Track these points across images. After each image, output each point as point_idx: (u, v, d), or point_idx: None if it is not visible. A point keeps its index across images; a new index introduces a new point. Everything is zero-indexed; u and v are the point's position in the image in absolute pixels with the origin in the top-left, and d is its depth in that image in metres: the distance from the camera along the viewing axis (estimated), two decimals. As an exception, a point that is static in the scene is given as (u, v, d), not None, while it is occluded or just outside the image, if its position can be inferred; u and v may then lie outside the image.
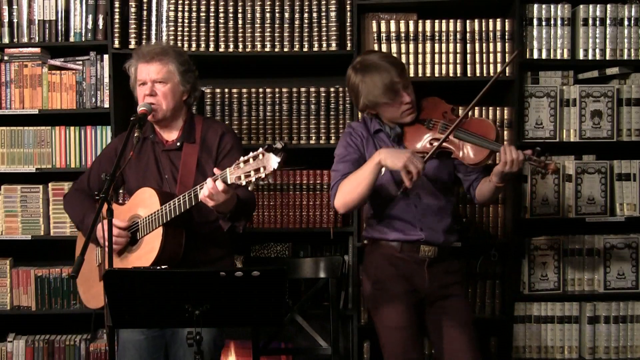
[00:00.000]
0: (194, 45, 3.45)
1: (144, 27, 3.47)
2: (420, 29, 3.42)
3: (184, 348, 2.68)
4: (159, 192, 2.65)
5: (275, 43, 3.45)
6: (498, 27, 3.41)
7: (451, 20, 3.42)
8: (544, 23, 3.43)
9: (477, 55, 3.42)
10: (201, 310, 2.16)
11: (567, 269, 3.50)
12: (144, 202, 2.66)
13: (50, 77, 3.49)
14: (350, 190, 2.64)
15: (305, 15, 3.44)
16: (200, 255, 2.71)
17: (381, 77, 2.63)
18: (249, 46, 3.45)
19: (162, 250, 2.57)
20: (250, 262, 3.46)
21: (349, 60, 3.41)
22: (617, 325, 3.48)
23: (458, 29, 3.42)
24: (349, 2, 3.42)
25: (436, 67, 3.42)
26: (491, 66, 3.41)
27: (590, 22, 3.44)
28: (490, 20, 3.41)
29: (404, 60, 3.39)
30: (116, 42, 3.42)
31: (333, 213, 3.48)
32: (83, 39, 3.48)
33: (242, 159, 2.35)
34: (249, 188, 2.35)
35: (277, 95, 3.51)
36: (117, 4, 3.42)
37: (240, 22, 3.45)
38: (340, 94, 3.49)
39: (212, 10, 3.45)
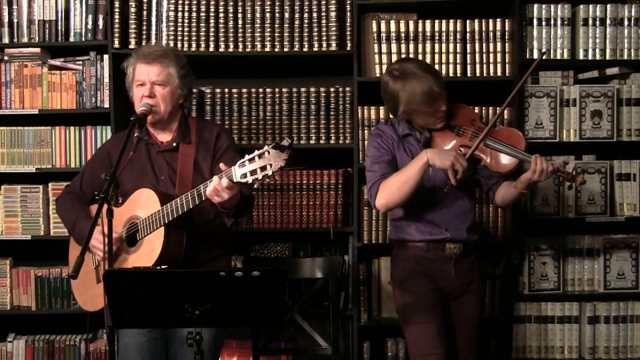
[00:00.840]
0: (194, 45, 3.45)
1: (144, 27, 3.47)
2: (420, 29, 3.42)
3: (184, 348, 2.67)
4: (159, 192, 2.65)
5: (275, 43, 3.45)
6: (498, 27, 3.41)
7: (451, 20, 3.42)
8: (544, 23, 3.43)
9: (477, 55, 3.42)
10: (201, 310, 2.15)
11: (567, 269, 3.50)
12: (143, 203, 2.66)
13: (50, 77, 3.49)
14: (395, 189, 2.72)
15: (305, 15, 3.44)
16: (199, 255, 2.71)
17: (421, 85, 2.70)
18: (249, 46, 3.45)
19: (164, 250, 2.56)
20: (250, 262, 3.46)
21: (349, 60, 3.43)
22: (617, 325, 3.48)
23: (458, 29, 3.42)
24: (349, 2, 3.42)
25: (436, 67, 3.41)
26: (491, 66, 3.42)
27: (590, 22, 3.44)
28: (490, 20, 3.42)
29: (404, 60, 3.39)
30: (116, 42, 3.42)
31: (333, 213, 3.49)
32: (83, 39, 3.48)
33: (247, 156, 2.35)
34: (255, 186, 2.36)
35: (277, 95, 3.51)
36: (117, 4, 3.42)
37: (240, 22, 3.45)
38: (340, 94, 3.49)
39: (212, 10, 3.45)
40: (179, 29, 3.45)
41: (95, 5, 3.45)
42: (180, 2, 3.45)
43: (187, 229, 2.64)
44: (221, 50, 3.46)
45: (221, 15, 3.45)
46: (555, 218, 3.46)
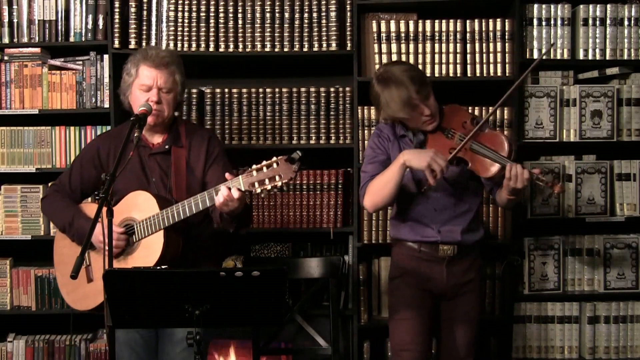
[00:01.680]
0: (194, 45, 3.45)
1: (144, 27, 3.47)
2: (420, 29, 3.42)
3: (171, 343, 2.70)
4: (157, 196, 2.66)
5: (275, 43, 3.45)
6: (498, 27, 3.41)
7: (451, 20, 3.42)
8: (544, 23, 3.43)
9: (477, 55, 3.42)
10: (201, 310, 2.16)
11: (567, 269, 3.50)
12: (140, 206, 2.66)
13: (50, 77, 3.49)
14: (377, 190, 2.74)
15: (305, 15, 3.44)
16: (189, 258, 2.72)
17: (399, 93, 2.67)
18: (249, 46, 3.45)
19: (163, 253, 2.58)
20: (250, 262, 3.45)
21: (349, 60, 3.43)
22: (617, 325, 3.48)
23: (458, 29, 3.42)
24: (349, 2, 3.42)
25: (436, 67, 3.42)
26: (491, 66, 3.42)
27: (590, 22, 3.44)
28: (490, 20, 3.42)
29: (403, 60, 3.39)
30: (116, 42, 3.42)
31: (333, 213, 3.49)
32: (83, 39, 3.48)
33: (254, 166, 2.40)
34: (262, 195, 2.39)
35: (277, 95, 3.51)
36: (117, 4, 3.42)
37: (240, 22, 3.45)
38: (340, 94, 3.49)
39: (212, 10, 3.45)
40: (179, 29, 3.45)
41: (95, 5, 3.45)
42: (180, 2, 3.45)
43: (185, 233, 2.66)
44: (221, 50, 3.46)
45: (221, 15, 3.45)
46: (555, 218, 3.46)
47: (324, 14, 3.42)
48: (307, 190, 3.50)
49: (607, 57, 3.44)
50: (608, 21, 3.43)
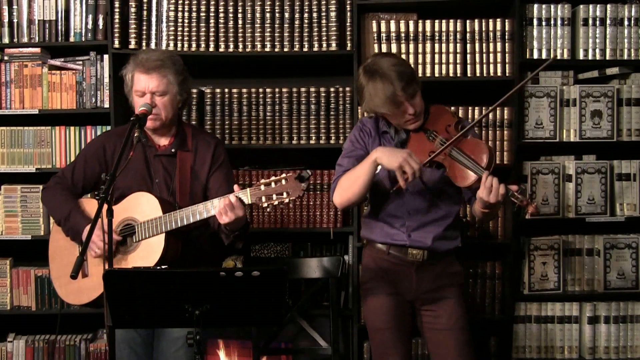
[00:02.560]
0: (194, 45, 3.45)
1: (144, 27, 3.47)
2: (420, 29, 3.42)
3: (166, 340, 2.71)
4: (160, 198, 2.66)
5: (275, 43, 3.45)
6: (498, 27, 3.41)
7: (451, 20, 3.42)
8: (544, 23, 3.43)
9: (477, 55, 3.42)
10: (201, 310, 2.16)
11: (567, 269, 3.50)
12: (141, 207, 2.67)
13: (50, 77, 3.49)
14: (347, 187, 2.64)
15: (305, 15, 3.44)
16: (187, 260, 2.73)
17: (384, 87, 2.55)
18: (249, 46, 3.45)
19: (164, 255, 2.60)
20: (250, 262, 3.46)
21: (349, 60, 3.43)
22: (617, 325, 3.48)
23: (458, 29, 3.42)
24: (349, 2, 3.42)
25: (436, 67, 3.42)
26: (491, 66, 3.41)
27: (590, 22, 3.44)
28: (490, 20, 3.41)
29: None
30: (116, 42, 3.42)
31: (333, 213, 3.48)
32: (83, 39, 3.48)
33: (262, 181, 2.43)
34: (268, 209, 2.41)
35: (277, 95, 3.51)
36: (117, 4, 3.42)
37: (240, 22, 3.45)
38: (340, 94, 3.49)
39: (212, 10, 3.45)
40: (179, 29, 3.45)
41: (95, 5, 3.45)
42: (180, 2, 3.45)
43: (184, 238, 2.68)
44: (221, 50, 3.46)
45: (221, 15, 3.45)
46: (555, 218, 3.46)
47: (324, 14, 3.42)
48: (307, 190, 3.49)
49: (607, 57, 3.44)
50: (608, 21, 3.43)
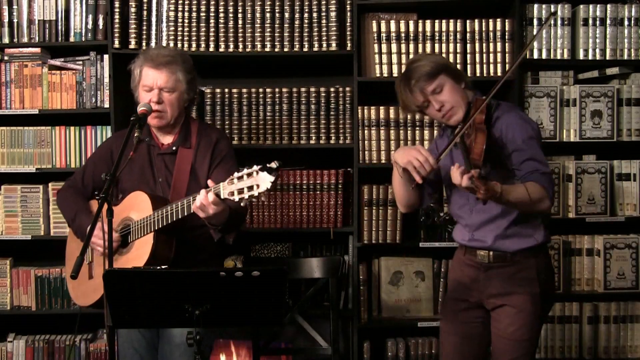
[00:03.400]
0: (194, 45, 3.45)
1: (144, 27, 3.47)
2: (420, 29, 3.42)
3: (170, 345, 2.70)
4: (152, 196, 2.65)
5: (275, 43, 3.45)
6: (498, 27, 3.41)
7: (451, 20, 3.42)
8: (544, 23, 3.43)
9: (477, 55, 3.42)
10: (201, 310, 2.15)
11: (567, 269, 3.50)
12: (137, 206, 2.66)
13: (50, 77, 3.49)
14: (394, 189, 2.72)
15: (305, 15, 3.44)
16: (188, 260, 2.71)
17: (401, 86, 2.58)
18: (249, 46, 3.45)
19: (152, 255, 2.57)
20: (250, 262, 3.46)
21: (349, 60, 3.43)
22: (617, 325, 3.48)
23: (458, 29, 3.42)
24: (349, 2, 3.42)
25: (436, 67, 3.42)
26: (491, 66, 3.41)
27: (590, 22, 3.44)
28: (490, 20, 3.41)
29: (403, 60, 3.39)
30: (116, 42, 3.42)
31: (333, 213, 3.48)
32: (83, 39, 3.48)
33: (236, 175, 2.34)
34: (242, 204, 2.36)
35: (277, 95, 3.50)
36: (117, 4, 3.42)
37: (240, 22, 3.45)
38: (340, 94, 3.49)
39: (212, 10, 3.45)
40: (179, 29, 3.45)
41: (95, 5, 3.45)
42: (180, 2, 3.45)
43: (176, 236, 2.64)
44: (221, 50, 3.46)
45: (221, 15, 3.45)
46: (555, 218, 3.46)
47: (324, 14, 3.42)
48: (307, 190, 3.50)
49: (607, 57, 3.44)
50: (608, 21, 3.43)
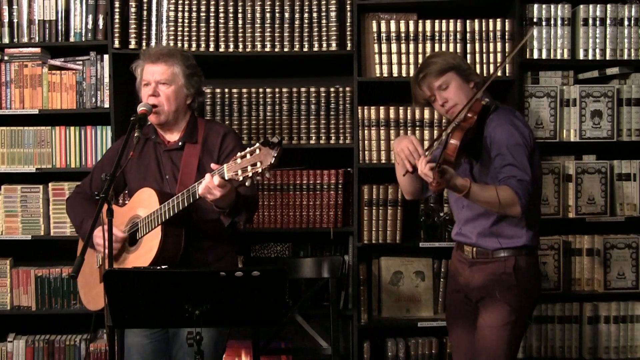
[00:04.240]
0: (194, 45, 3.45)
1: (144, 27, 3.46)
2: (420, 29, 3.42)
3: (183, 349, 2.68)
4: (159, 191, 2.64)
5: (275, 43, 3.45)
6: (498, 27, 3.41)
7: (451, 20, 3.42)
8: (544, 23, 3.43)
9: (477, 55, 3.42)
10: (201, 310, 2.15)
11: (567, 269, 3.50)
12: (144, 202, 2.66)
13: (50, 77, 3.49)
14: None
15: (305, 15, 3.44)
16: (201, 256, 2.70)
17: (413, 84, 2.72)
18: (249, 46, 3.45)
19: (161, 249, 2.55)
20: (250, 262, 3.46)
21: (349, 60, 3.43)
22: (617, 325, 3.48)
23: (458, 29, 3.42)
24: (349, 2, 3.42)
25: (436, 67, 3.42)
26: (491, 66, 3.41)
27: (590, 22, 3.44)
28: (490, 20, 3.41)
29: (403, 60, 3.39)
30: (116, 42, 3.42)
31: (333, 213, 3.48)
32: (83, 39, 3.48)
33: (239, 154, 2.34)
34: (247, 184, 2.34)
35: (277, 95, 3.51)
36: (117, 4, 3.42)
37: (240, 22, 3.45)
38: (340, 94, 3.49)
39: (212, 10, 3.45)
40: (179, 29, 3.45)
41: (95, 5, 3.45)
42: (180, 2, 3.44)
43: (185, 227, 2.63)
44: (221, 50, 3.45)
45: (221, 15, 3.45)
46: (555, 218, 3.46)
47: (324, 14, 3.42)
48: (307, 190, 3.50)
49: (607, 57, 3.44)
50: (608, 21, 3.43)
